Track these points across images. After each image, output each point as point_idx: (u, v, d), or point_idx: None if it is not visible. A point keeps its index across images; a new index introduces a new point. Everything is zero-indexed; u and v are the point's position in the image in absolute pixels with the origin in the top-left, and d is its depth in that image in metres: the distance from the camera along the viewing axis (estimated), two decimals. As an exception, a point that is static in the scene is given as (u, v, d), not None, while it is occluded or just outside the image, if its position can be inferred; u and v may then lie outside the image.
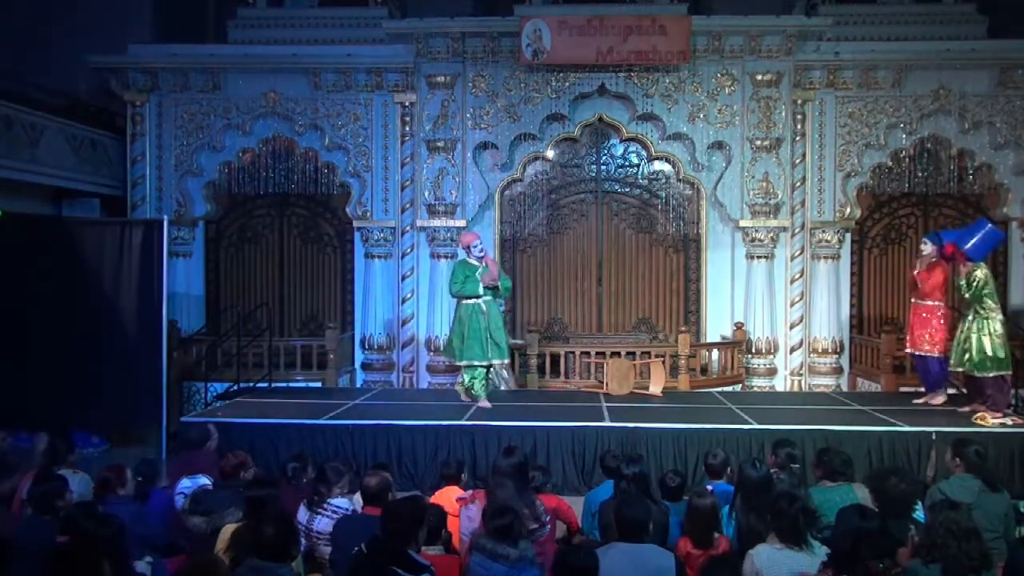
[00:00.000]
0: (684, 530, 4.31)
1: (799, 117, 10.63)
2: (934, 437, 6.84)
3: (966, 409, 7.51)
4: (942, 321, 7.85)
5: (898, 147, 10.59)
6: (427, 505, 4.07)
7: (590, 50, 10.02)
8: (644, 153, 11.07)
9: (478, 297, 7.85)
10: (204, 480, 5.12)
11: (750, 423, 7.23)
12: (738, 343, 10.49)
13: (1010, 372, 7.47)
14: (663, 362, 9.31)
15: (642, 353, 9.69)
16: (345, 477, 4.73)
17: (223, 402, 8.85)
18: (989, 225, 7.77)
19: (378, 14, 11.15)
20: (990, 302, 7.42)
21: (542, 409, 7.85)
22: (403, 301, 11.01)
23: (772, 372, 10.65)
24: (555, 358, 9.90)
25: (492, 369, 8.33)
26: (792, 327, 10.75)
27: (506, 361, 8.22)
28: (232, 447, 5.77)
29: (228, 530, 4.01)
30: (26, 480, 5.06)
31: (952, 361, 7.67)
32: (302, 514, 4.54)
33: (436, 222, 10.70)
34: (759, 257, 10.62)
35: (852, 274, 11.12)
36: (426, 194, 10.66)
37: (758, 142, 10.43)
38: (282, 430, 7.30)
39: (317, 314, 11.55)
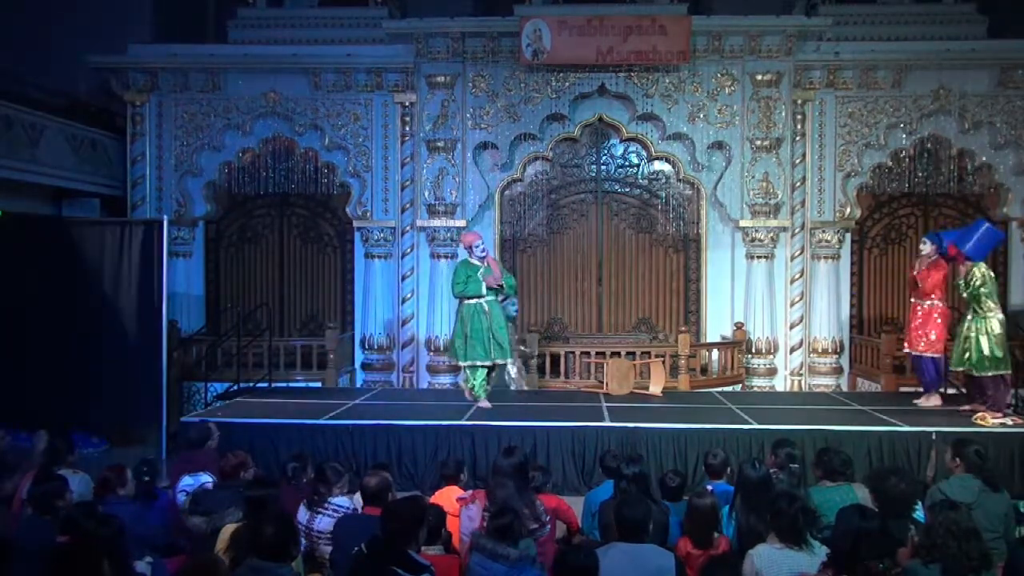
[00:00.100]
0: (684, 530, 4.31)
1: (799, 117, 10.64)
2: (934, 437, 6.84)
3: (966, 409, 7.51)
4: (940, 321, 7.84)
5: (898, 147, 10.60)
6: (427, 505, 4.07)
7: (590, 50, 10.02)
8: (644, 153, 11.07)
9: (480, 297, 7.84)
10: (206, 478, 5.13)
11: (750, 423, 7.23)
12: (738, 343, 10.50)
13: (1009, 372, 7.47)
14: (663, 362, 9.31)
15: (642, 353, 9.69)
16: (345, 477, 4.73)
17: (223, 402, 8.85)
18: (987, 225, 7.78)
19: (378, 14, 11.15)
20: (989, 302, 7.42)
21: (542, 409, 7.85)
22: (403, 301, 11.01)
23: (772, 372, 10.65)
24: (555, 358, 9.90)
25: (500, 369, 8.35)
26: (792, 327, 10.76)
27: (509, 361, 8.19)
28: (232, 447, 5.77)
29: (228, 530, 4.01)
30: (26, 480, 5.06)
31: (952, 360, 7.67)
32: (302, 514, 4.54)
33: (436, 222, 10.70)
34: (759, 257, 10.62)
35: (852, 274, 11.12)
36: (426, 194, 10.66)
37: (758, 142, 10.43)
38: (282, 430, 7.30)
39: (317, 314, 11.54)
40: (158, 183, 10.98)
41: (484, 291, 7.80)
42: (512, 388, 9.01)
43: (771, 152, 10.46)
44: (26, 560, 3.47)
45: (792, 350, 10.75)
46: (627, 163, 11.20)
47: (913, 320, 8.00)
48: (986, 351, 7.32)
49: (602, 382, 8.97)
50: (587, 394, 8.80)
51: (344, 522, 4.33)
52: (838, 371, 10.73)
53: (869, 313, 11.25)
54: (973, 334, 7.39)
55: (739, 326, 10.62)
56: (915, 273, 8.04)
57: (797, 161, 10.64)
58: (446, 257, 10.75)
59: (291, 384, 9.85)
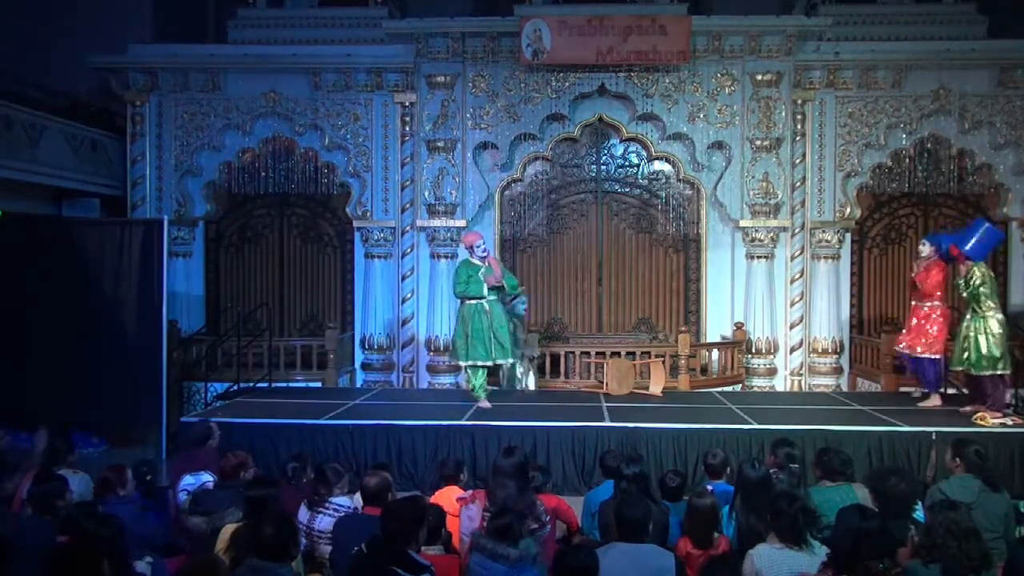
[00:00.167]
0: (684, 530, 4.31)
1: (799, 117, 10.63)
2: (934, 437, 6.84)
3: (967, 409, 7.52)
4: (941, 322, 7.84)
5: (898, 147, 10.60)
6: (427, 505, 4.07)
7: (590, 50, 10.02)
8: (644, 153, 11.07)
9: (481, 298, 7.83)
10: (207, 477, 5.13)
11: (750, 423, 7.23)
12: (738, 343, 10.50)
13: (1008, 372, 7.46)
14: (663, 362, 9.31)
15: (642, 353, 9.69)
16: (345, 477, 4.73)
17: (223, 402, 8.85)
18: (987, 225, 7.79)
19: (378, 14, 11.14)
20: (988, 301, 7.42)
21: (542, 409, 7.85)
22: (403, 301, 11.01)
23: (772, 372, 10.65)
24: (555, 358, 9.90)
25: (506, 370, 8.34)
26: (792, 327, 10.75)
27: (510, 361, 8.16)
28: (232, 447, 5.77)
29: (228, 530, 4.01)
30: (26, 480, 5.06)
31: (952, 360, 7.67)
32: (303, 514, 4.53)
33: (436, 222, 10.70)
34: (759, 257, 10.62)
35: (852, 274, 11.12)
36: (426, 194, 10.66)
37: (758, 142, 10.43)
38: (282, 430, 7.31)
39: (317, 314, 11.54)
40: (158, 183, 10.97)
41: (485, 291, 7.79)
42: (519, 387, 8.99)
43: (771, 152, 10.46)
44: (26, 560, 3.47)
45: (792, 350, 10.75)
46: (627, 163, 11.20)
47: (913, 321, 7.99)
48: (984, 350, 7.33)
49: (602, 382, 8.97)
50: (587, 394, 8.80)
51: (344, 522, 4.33)
52: (838, 371, 10.73)
53: (869, 313, 11.25)
54: (972, 334, 7.40)
55: (739, 326, 10.62)
56: (914, 275, 8.05)
57: (797, 161, 10.64)
58: (446, 257, 10.75)
59: (291, 384, 9.85)
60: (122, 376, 8.68)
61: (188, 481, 5.13)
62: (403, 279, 11.02)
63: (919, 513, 4.36)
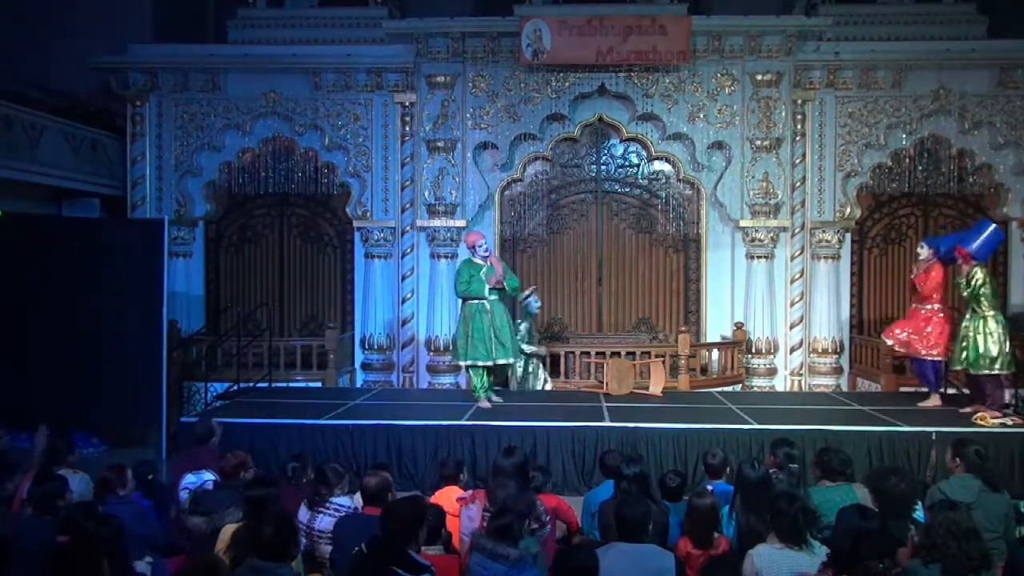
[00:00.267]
0: (684, 530, 4.31)
1: (799, 117, 10.64)
2: (934, 437, 6.84)
3: (967, 409, 7.52)
4: (942, 323, 7.84)
5: (898, 147, 10.60)
6: (427, 505, 4.07)
7: (590, 50, 10.02)
8: (644, 153, 11.07)
9: (483, 297, 7.82)
10: (209, 475, 5.13)
11: (750, 423, 7.23)
12: (738, 343, 10.50)
13: (1006, 371, 7.46)
14: (663, 362, 9.30)
15: (642, 353, 9.69)
16: (345, 478, 4.73)
17: (223, 402, 8.85)
18: (994, 226, 7.81)
19: (378, 14, 11.14)
20: (987, 302, 7.43)
21: (542, 409, 7.85)
22: (403, 301, 11.01)
23: (772, 372, 10.65)
24: (555, 358, 9.89)
25: (517, 370, 8.33)
26: (792, 327, 10.76)
27: (511, 360, 8.11)
28: (232, 447, 5.77)
29: (228, 530, 4.01)
30: (26, 480, 5.06)
31: (952, 359, 7.67)
32: (303, 514, 4.53)
33: (436, 222, 10.70)
34: (759, 257, 10.62)
35: (852, 274, 11.12)
36: (426, 194, 10.66)
37: (758, 142, 10.43)
38: (282, 430, 7.30)
39: (317, 314, 11.54)
40: (158, 183, 10.97)
41: (486, 291, 7.78)
42: (534, 388, 8.97)
43: (771, 152, 10.46)
44: (26, 560, 3.47)
45: (792, 350, 10.75)
46: (627, 163, 11.20)
47: (912, 322, 7.99)
48: (982, 350, 7.33)
49: (602, 382, 8.97)
50: (587, 394, 8.80)
51: (344, 522, 4.33)
52: (838, 371, 10.73)
53: (869, 313, 11.25)
54: (971, 333, 7.41)
55: (739, 326, 10.62)
56: (913, 278, 8.04)
57: (797, 161, 10.64)
58: (446, 257, 10.75)
59: (291, 384, 9.84)
60: (122, 376, 8.68)
61: (190, 479, 5.14)
62: (403, 279, 11.02)
63: (919, 513, 4.36)
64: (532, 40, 9.98)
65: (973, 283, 7.41)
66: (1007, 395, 7.82)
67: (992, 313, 7.44)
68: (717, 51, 10.40)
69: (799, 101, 10.59)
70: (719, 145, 10.56)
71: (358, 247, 11.24)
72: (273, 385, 9.70)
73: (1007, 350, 7.39)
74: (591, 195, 11.24)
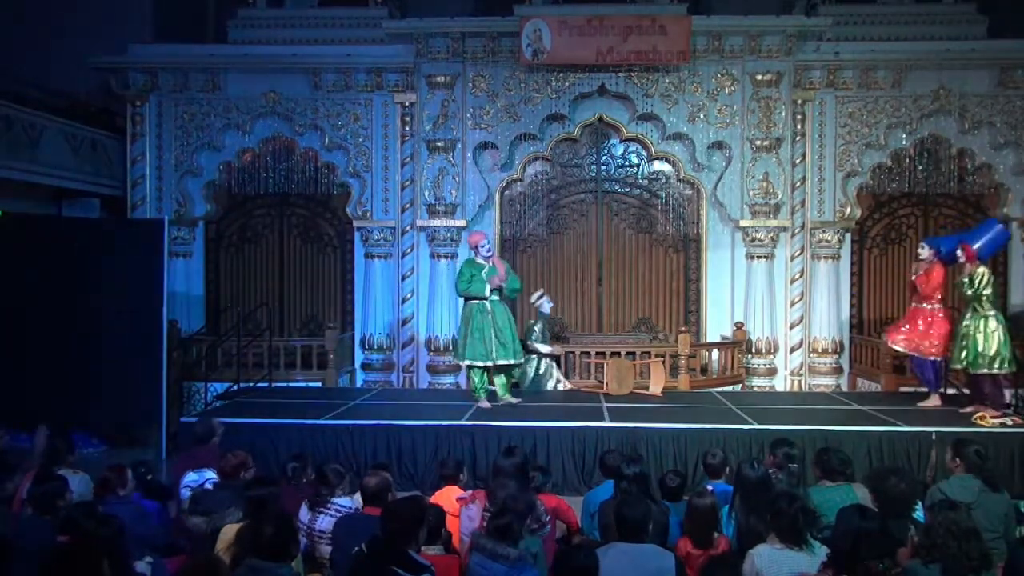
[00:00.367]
0: (684, 530, 4.31)
1: (799, 117, 10.64)
2: (934, 437, 6.84)
3: (967, 409, 7.51)
4: (943, 323, 7.83)
5: (898, 147, 10.60)
6: (427, 505, 4.07)
7: (590, 50, 10.02)
8: (644, 153, 11.08)
9: (484, 298, 7.80)
10: (210, 474, 5.13)
11: (750, 423, 7.23)
12: (738, 343, 10.50)
13: (1006, 371, 7.46)
14: (663, 362, 9.30)
15: (642, 353, 9.68)
16: (346, 478, 4.73)
17: (223, 402, 8.85)
18: (1000, 226, 7.84)
19: (378, 14, 11.14)
20: (988, 301, 7.44)
21: (542, 409, 7.84)
22: (403, 301, 11.01)
23: (772, 372, 10.65)
24: (556, 358, 9.88)
25: (529, 371, 8.45)
26: (792, 327, 10.76)
27: (512, 362, 8.04)
28: (232, 447, 5.77)
29: (228, 530, 4.00)
30: (26, 480, 5.06)
31: (952, 359, 7.67)
32: (304, 514, 4.53)
33: (436, 222, 10.71)
34: (759, 257, 10.63)
35: (852, 274, 11.13)
36: (426, 194, 10.66)
37: (758, 142, 10.43)
38: (282, 430, 7.30)
39: (317, 314, 11.54)
40: (158, 183, 10.97)
41: (487, 292, 7.76)
42: (554, 388, 8.94)
43: (771, 152, 10.47)
44: (26, 560, 3.47)
45: (792, 350, 10.75)
46: (627, 163, 11.20)
47: (912, 322, 7.99)
48: (982, 349, 7.33)
49: (602, 382, 8.96)
50: (587, 394, 8.79)
51: (344, 522, 4.33)
52: (838, 371, 10.74)
53: (869, 313, 11.25)
54: (972, 332, 7.41)
55: (739, 326, 10.62)
56: (914, 278, 8.03)
57: (797, 161, 10.64)
58: (446, 257, 10.76)
59: (291, 384, 9.84)
60: (122, 376, 8.68)
61: (192, 477, 5.14)
62: (403, 279, 11.02)
63: (919, 513, 4.36)
64: (532, 40, 9.98)
65: (978, 282, 7.40)
66: (1007, 395, 7.83)
67: (993, 313, 7.45)
68: (717, 51, 10.40)
69: (799, 101, 10.60)
70: (719, 145, 10.57)
71: (358, 247, 11.24)
72: (273, 385, 9.70)
73: (1007, 350, 7.39)
74: (591, 195, 11.24)
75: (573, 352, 9.89)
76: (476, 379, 7.99)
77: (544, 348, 9.00)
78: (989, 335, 7.33)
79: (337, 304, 11.57)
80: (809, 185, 10.68)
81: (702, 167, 10.70)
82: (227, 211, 11.54)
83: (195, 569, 3.31)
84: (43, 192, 10.50)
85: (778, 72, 10.41)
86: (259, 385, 9.62)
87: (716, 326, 11.00)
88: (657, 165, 11.09)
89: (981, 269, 7.47)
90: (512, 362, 7.92)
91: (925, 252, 7.96)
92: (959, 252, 7.62)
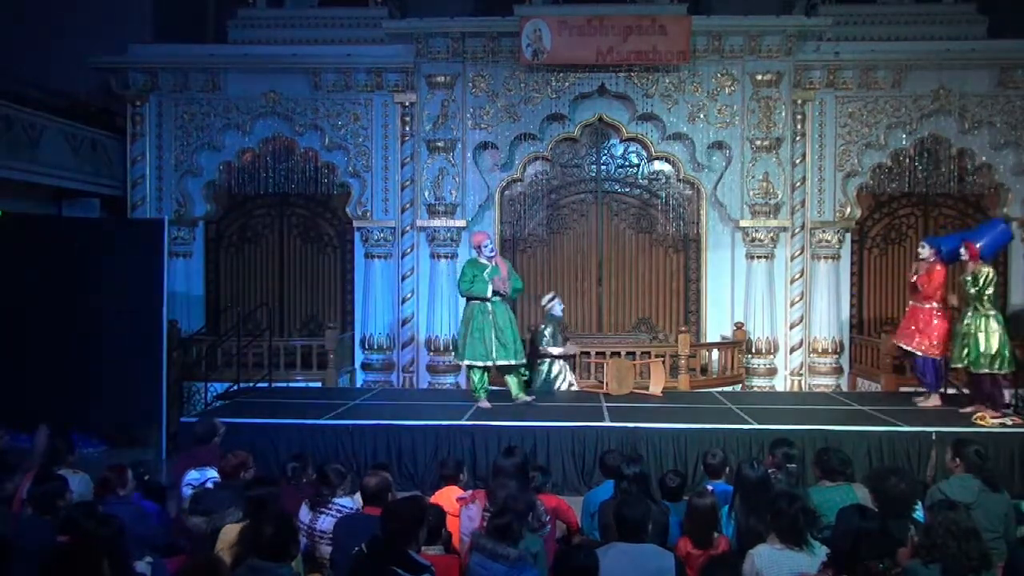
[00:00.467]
0: (684, 530, 4.31)
1: (799, 117, 10.64)
2: (934, 437, 6.83)
3: (967, 409, 7.51)
4: (944, 322, 7.83)
5: (898, 147, 10.60)
6: (427, 505, 4.07)
7: (590, 50, 10.02)
8: (644, 153, 11.08)
9: (485, 298, 7.79)
10: (212, 472, 5.13)
11: (750, 423, 7.22)
12: (738, 343, 10.50)
13: (1006, 371, 7.46)
14: (663, 362, 9.30)
15: (642, 353, 9.68)
16: (347, 478, 4.73)
17: (223, 402, 8.85)
18: (1004, 225, 7.84)
19: (378, 14, 11.14)
20: (989, 301, 7.44)
21: (542, 409, 7.84)
22: (403, 301, 11.01)
23: (772, 372, 10.65)
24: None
25: (541, 372, 8.57)
26: (792, 327, 10.76)
27: (512, 362, 8.00)
28: (232, 447, 5.77)
29: (229, 530, 4.00)
30: (26, 480, 5.06)
31: (952, 358, 7.66)
32: (305, 514, 4.53)
33: (436, 222, 10.71)
34: (759, 257, 10.63)
35: (852, 274, 11.13)
36: (426, 194, 10.66)
37: (758, 142, 10.43)
38: (282, 430, 7.30)
39: (317, 314, 11.54)
40: (158, 183, 10.97)
41: (489, 293, 7.74)
42: (563, 388, 8.92)
43: (771, 152, 10.47)
44: (26, 560, 3.47)
45: (792, 350, 10.75)
46: (627, 163, 11.21)
47: (911, 322, 7.99)
48: (983, 348, 7.33)
49: (602, 382, 8.96)
50: (587, 394, 8.79)
51: (344, 522, 4.33)
52: (838, 371, 10.74)
53: (869, 313, 11.25)
54: (973, 332, 7.40)
55: (739, 326, 10.62)
56: (914, 278, 8.02)
57: (797, 161, 10.64)
58: (446, 257, 10.76)
59: (291, 384, 9.84)
60: (122, 376, 8.68)
61: (193, 476, 5.14)
62: (403, 279, 11.02)
63: (919, 513, 4.36)
64: (532, 40, 9.98)
65: (983, 281, 7.40)
66: (1007, 395, 7.83)
67: (993, 312, 7.45)
68: (717, 51, 10.40)
69: (799, 101, 10.60)
70: (719, 145, 10.57)
71: (358, 247, 11.24)
72: (273, 385, 9.70)
73: (1007, 349, 7.40)
74: (591, 195, 11.24)
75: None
76: (476, 379, 7.98)
77: (556, 350, 8.95)
78: (990, 335, 7.34)
79: (337, 304, 11.57)
80: (809, 185, 10.68)
81: (702, 167, 10.70)
82: (227, 211, 11.54)
83: (195, 569, 3.31)
84: (43, 192, 10.50)
85: (778, 72, 10.42)
86: (259, 385, 9.62)
87: (716, 326, 11.00)
88: (657, 165, 11.09)
89: (986, 268, 7.47)
90: (512, 362, 7.87)
91: (925, 251, 7.96)
92: (962, 250, 7.61)
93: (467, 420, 7.39)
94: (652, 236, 11.19)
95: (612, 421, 7.31)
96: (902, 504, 4.22)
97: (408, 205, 10.91)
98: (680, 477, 5.06)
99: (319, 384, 9.97)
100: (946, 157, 10.63)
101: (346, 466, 5.35)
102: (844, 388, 10.54)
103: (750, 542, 4.02)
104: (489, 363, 7.82)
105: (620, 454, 5.51)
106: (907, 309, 8.27)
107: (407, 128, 10.86)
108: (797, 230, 10.75)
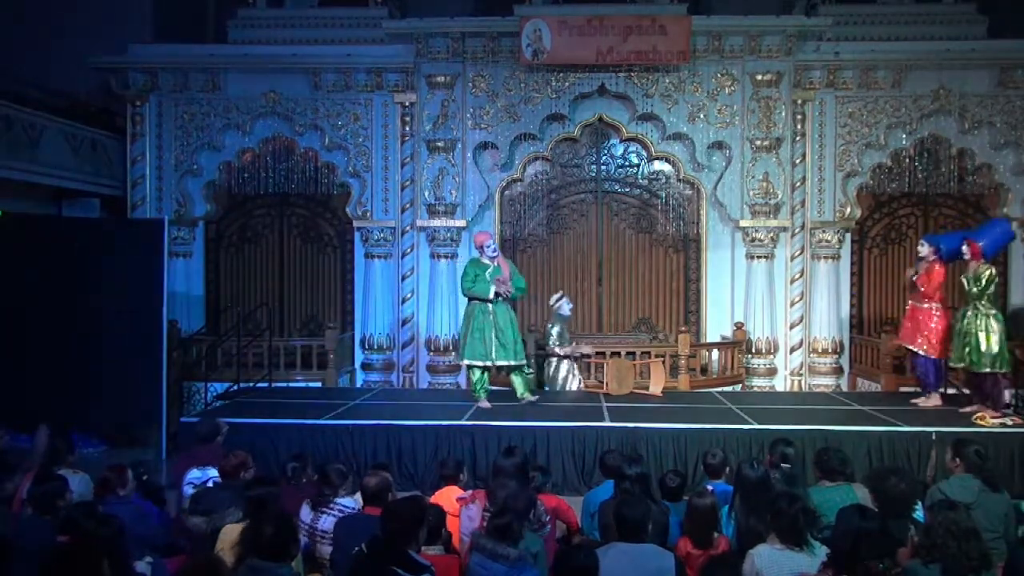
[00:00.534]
0: (684, 530, 4.31)
1: (799, 117, 10.64)
2: (934, 437, 6.83)
3: (967, 409, 7.51)
4: (943, 322, 7.83)
5: (898, 147, 10.60)
6: (427, 505, 4.07)
7: (590, 50, 10.02)
8: (644, 153, 11.08)
9: (486, 299, 7.79)
10: (213, 472, 5.13)
11: (750, 423, 7.22)
12: (738, 343, 10.50)
13: (1007, 371, 7.46)
14: (663, 362, 9.29)
15: (642, 353, 9.68)
16: (348, 478, 4.73)
17: (223, 402, 8.85)
18: (1006, 224, 7.86)
19: (378, 14, 11.14)
20: (989, 300, 7.44)
21: (542, 409, 7.83)
22: (403, 301, 11.02)
23: (772, 372, 10.65)
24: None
25: (550, 371, 8.59)
26: (792, 327, 10.76)
27: (512, 363, 7.97)
28: (232, 447, 5.77)
29: (230, 530, 4.00)
30: (26, 480, 5.06)
31: (952, 357, 7.66)
32: (306, 513, 4.53)
33: (436, 222, 10.71)
34: (759, 257, 10.63)
35: (852, 274, 11.13)
36: (426, 194, 10.67)
37: (758, 142, 10.43)
38: (282, 430, 7.29)
39: (317, 314, 11.55)
40: (158, 183, 10.98)
41: (491, 293, 7.74)
42: (572, 388, 8.92)
43: (771, 152, 10.47)
44: (26, 560, 3.47)
45: (792, 350, 10.75)
46: (627, 163, 11.21)
47: (911, 321, 7.99)
48: (984, 348, 7.33)
49: (602, 382, 8.96)
50: (587, 394, 8.79)
51: (344, 522, 4.33)
52: (838, 371, 10.74)
53: (869, 313, 11.25)
54: (974, 331, 7.40)
55: (739, 326, 10.62)
56: (914, 278, 8.01)
57: (797, 161, 10.65)
58: (446, 257, 10.76)
59: (291, 384, 9.84)
60: (122, 376, 8.67)
61: (195, 475, 5.15)
62: (403, 279, 11.03)
63: (919, 513, 4.36)
64: (532, 40, 9.98)
65: (985, 280, 7.39)
66: (1007, 395, 7.82)
67: (994, 312, 7.45)
68: (717, 51, 10.40)
69: (799, 101, 10.60)
70: (719, 145, 10.57)
71: (358, 247, 11.24)
72: (273, 385, 9.70)
73: (1007, 349, 7.40)
74: (591, 195, 11.24)
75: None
76: (476, 379, 7.98)
77: (563, 350, 8.94)
78: (991, 334, 7.33)
79: (337, 304, 11.57)
80: (809, 185, 10.68)
81: (702, 167, 10.70)
82: (227, 211, 11.54)
83: (195, 569, 3.31)
84: (43, 192, 10.50)
85: (778, 72, 10.42)
86: (259, 385, 9.62)
87: (716, 326, 11.00)
88: (657, 165, 11.09)
89: (990, 267, 7.47)
90: (512, 363, 7.86)
91: (925, 249, 7.95)
92: (964, 248, 7.59)
93: (467, 420, 7.39)
94: (652, 236, 11.19)
95: (612, 421, 7.31)
96: (902, 504, 4.22)
97: (408, 205, 10.92)
98: (680, 477, 5.06)
99: (319, 384, 9.97)
100: (946, 157, 10.63)
101: (346, 466, 5.34)
102: (844, 388, 10.54)
103: (750, 542, 4.02)
104: (488, 363, 7.82)
105: (620, 454, 5.51)
106: (906, 308, 8.26)
107: (407, 128, 10.86)
108: (797, 230, 10.75)
